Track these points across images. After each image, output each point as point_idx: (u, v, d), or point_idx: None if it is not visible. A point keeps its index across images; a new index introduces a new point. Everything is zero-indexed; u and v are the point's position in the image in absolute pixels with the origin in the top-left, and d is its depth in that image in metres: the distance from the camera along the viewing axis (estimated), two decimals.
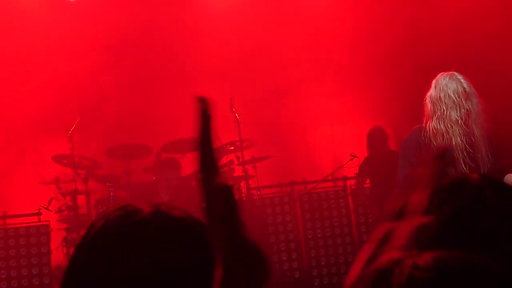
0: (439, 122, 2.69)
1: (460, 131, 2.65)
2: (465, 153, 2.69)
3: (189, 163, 4.33)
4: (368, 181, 3.96)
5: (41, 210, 4.31)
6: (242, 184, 3.96)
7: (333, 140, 4.67)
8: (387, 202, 3.41)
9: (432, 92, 2.68)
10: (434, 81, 2.71)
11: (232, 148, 3.87)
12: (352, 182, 4.11)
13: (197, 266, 0.66)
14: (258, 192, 4.00)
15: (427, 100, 2.68)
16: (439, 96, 2.68)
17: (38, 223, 4.37)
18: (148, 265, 0.65)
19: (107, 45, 4.01)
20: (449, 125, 2.67)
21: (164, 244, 0.66)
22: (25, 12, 4.53)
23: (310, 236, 4.08)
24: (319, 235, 4.05)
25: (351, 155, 3.87)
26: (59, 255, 4.39)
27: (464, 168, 2.67)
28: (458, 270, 0.39)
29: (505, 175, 2.73)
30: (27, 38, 4.26)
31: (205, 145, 0.60)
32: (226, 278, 0.50)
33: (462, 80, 2.67)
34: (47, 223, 4.35)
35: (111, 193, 3.96)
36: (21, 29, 4.31)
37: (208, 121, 0.60)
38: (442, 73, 2.70)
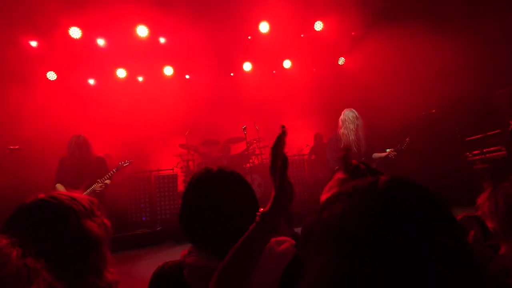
0: (345, 130, 4.41)
1: (354, 133, 4.35)
2: (355, 143, 4.36)
3: (235, 148, 8.22)
4: (313, 156, 8.05)
5: (174, 168, 8.02)
6: None
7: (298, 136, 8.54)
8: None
9: (341, 117, 4.48)
10: (343, 112, 4.50)
11: None
12: (306, 157, 8.15)
13: (246, 195, 1.12)
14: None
15: (339, 121, 4.49)
16: (345, 118, 4.43)
17: (172, 173, 8.04)
18: (224, 196, 1.09)
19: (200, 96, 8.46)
20: (349, 131, 4.37)
21: (229, 185, 1.14)
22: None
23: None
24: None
25: (306, 145, 8.07)
26: (181, 188, 7.88)
27: (355, 150, 4.34)
28: (407, 185, 0.49)
29: (373, 154, 4.58)
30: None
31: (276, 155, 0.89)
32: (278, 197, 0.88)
33: (354, 111, 4.44)
34: (176, 173, 7.94)
35: (203, 161, 7.93)
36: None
37: (282, 142, 0.89)
38: (346, 108, 4.52)
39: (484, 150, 5.63)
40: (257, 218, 0.92)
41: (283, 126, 0.91)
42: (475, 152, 5.80)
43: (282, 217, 0.91)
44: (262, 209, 0.93)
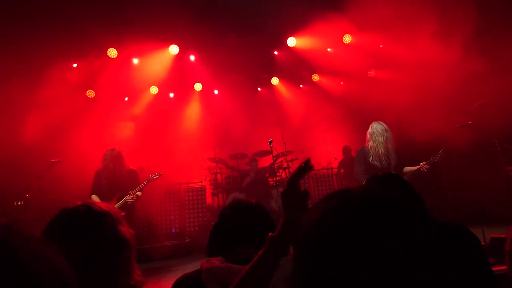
0: (373, 142, 4.31)
1: (383, 146, 4.26)
2: (384, 156, 4.27)
3: (262, 162, 8.41)
4: (342, 170, 7.93)
5: (202, 181, 8.37)
6: None
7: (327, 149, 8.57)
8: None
9: (369, 130, 4.41)
10: (370, 125, 4.39)
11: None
12: (335, 170, 8.04)
13: (264, 220, 1.37)
14: None
15: (368, 134, 4.41)
16: (373, 131, 4.34)
17: (201, 186, 8.37)
18: (244, 221, 1.34)
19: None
20: (377, 144, 4.29)
21: (247, 211, 1.40)
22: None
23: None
24: None
25: (334, 158, 7.94)
26: (209, 200, 8.21)
27: (385, 163, 4.25)
28: (379, 197, 0.52)
29: (403, 167, 4.46)
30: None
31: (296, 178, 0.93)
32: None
33: (383, 123, 4.36)
34: (205, 186, 8.24)
35: (231, 174, 8.24)
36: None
37: (304, 170, 0.90)
38: (374, 121, 4.44)
39: None
40: (266, 242, 0.95)
41: (308, 160, 0.92)
42: None
43: (290, 243, 0.92)
44: (271, 233, 0.96)
